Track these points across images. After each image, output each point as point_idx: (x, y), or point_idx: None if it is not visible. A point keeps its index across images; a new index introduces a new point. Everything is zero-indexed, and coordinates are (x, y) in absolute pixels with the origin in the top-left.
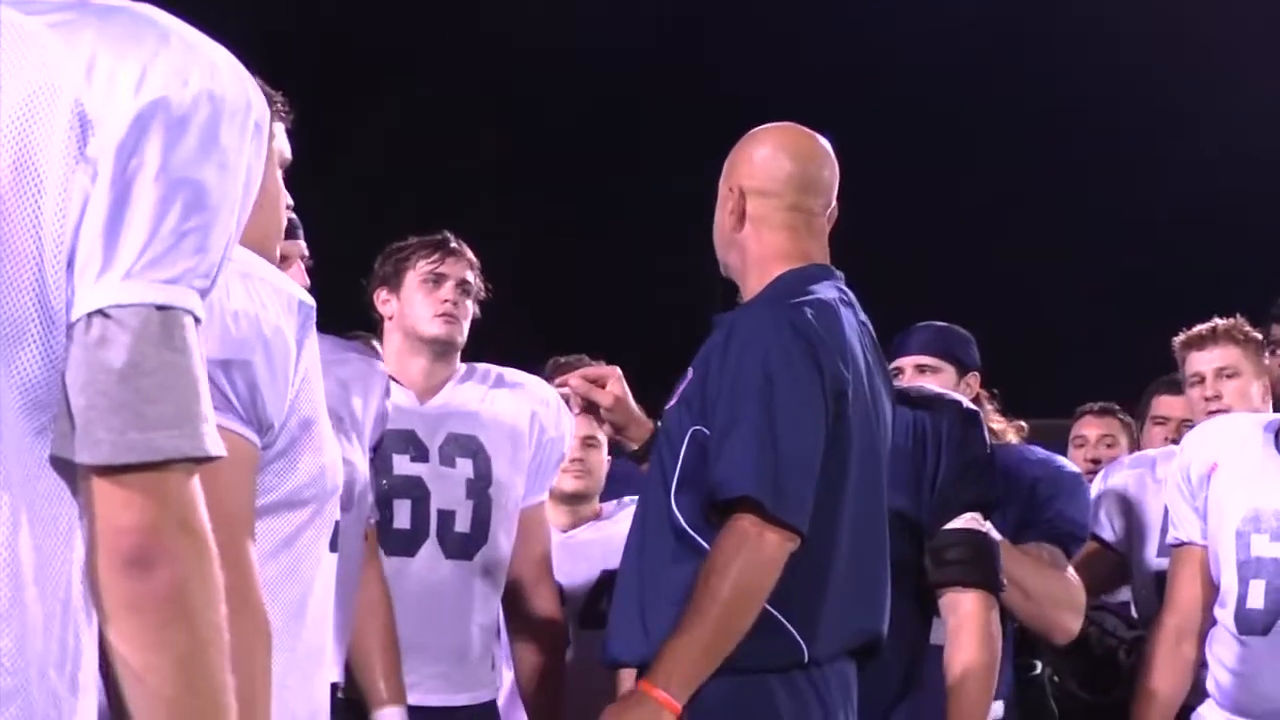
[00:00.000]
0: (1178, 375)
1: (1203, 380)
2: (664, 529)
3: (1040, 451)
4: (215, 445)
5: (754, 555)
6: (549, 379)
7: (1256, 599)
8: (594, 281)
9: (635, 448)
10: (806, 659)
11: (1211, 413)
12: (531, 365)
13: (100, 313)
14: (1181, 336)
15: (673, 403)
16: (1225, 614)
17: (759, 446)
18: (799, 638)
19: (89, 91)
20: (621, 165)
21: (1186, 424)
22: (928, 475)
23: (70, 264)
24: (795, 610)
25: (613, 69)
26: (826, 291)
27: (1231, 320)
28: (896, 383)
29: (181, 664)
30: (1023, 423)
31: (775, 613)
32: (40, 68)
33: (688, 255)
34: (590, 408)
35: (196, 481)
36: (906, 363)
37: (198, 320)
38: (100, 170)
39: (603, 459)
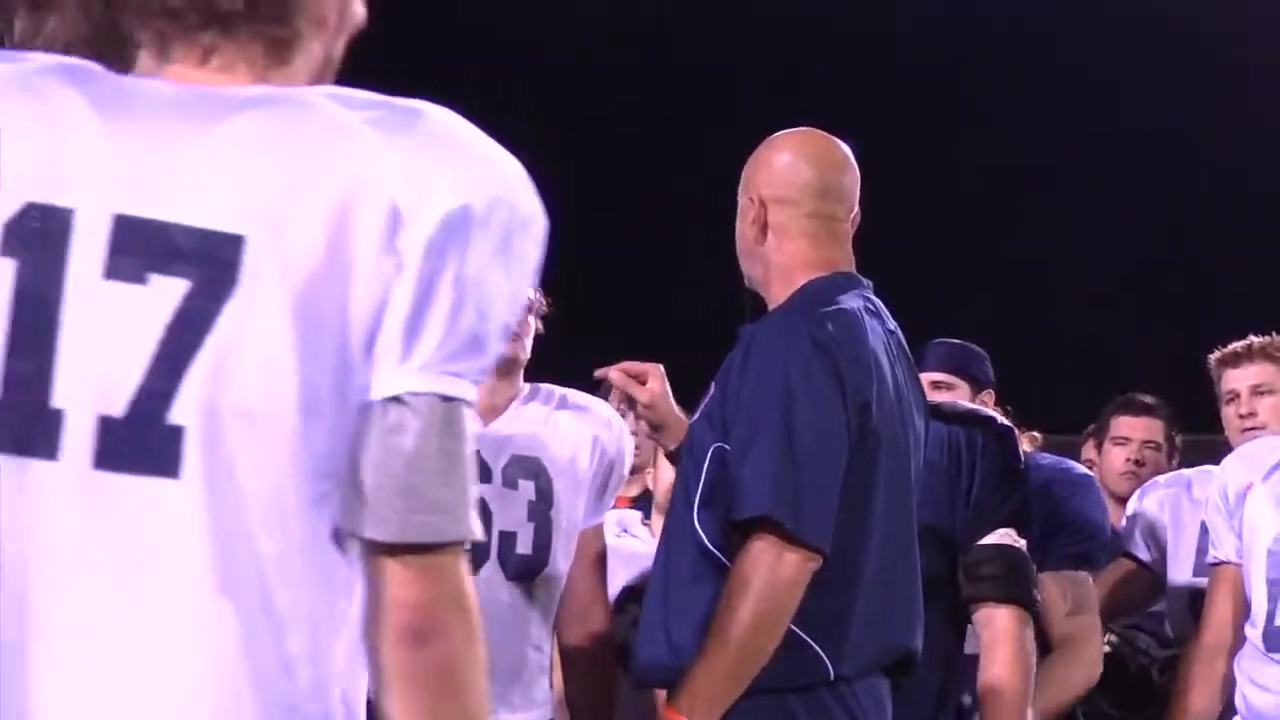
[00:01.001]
0: (1135, 395)
1: (1238, 397)
2: (686, 545)
3: (1049, 456)
4: (479, 530)
5: (775, 576)
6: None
7: None
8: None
9: (671, 448)
10: (833, 677)
11: (1246, 429)
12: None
13: (396, 399)
14: (1216, 354)
15: (696, 417)
16: (1255, 632)
17: (778, 464)
18: (824, 656)
19: (404, 190)
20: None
21: (1148, 444)
22: (961, 490)
23: (369, 348)
24: (821, 628)
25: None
26: (851, 301)
27: (1268, 338)
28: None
29: None
30: (1036, 433)
31: (800, 631)
32: (359, 160)
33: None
34: (628, 403)
35: (465, 560)
36: (922, 379)
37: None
38: (406, 264)
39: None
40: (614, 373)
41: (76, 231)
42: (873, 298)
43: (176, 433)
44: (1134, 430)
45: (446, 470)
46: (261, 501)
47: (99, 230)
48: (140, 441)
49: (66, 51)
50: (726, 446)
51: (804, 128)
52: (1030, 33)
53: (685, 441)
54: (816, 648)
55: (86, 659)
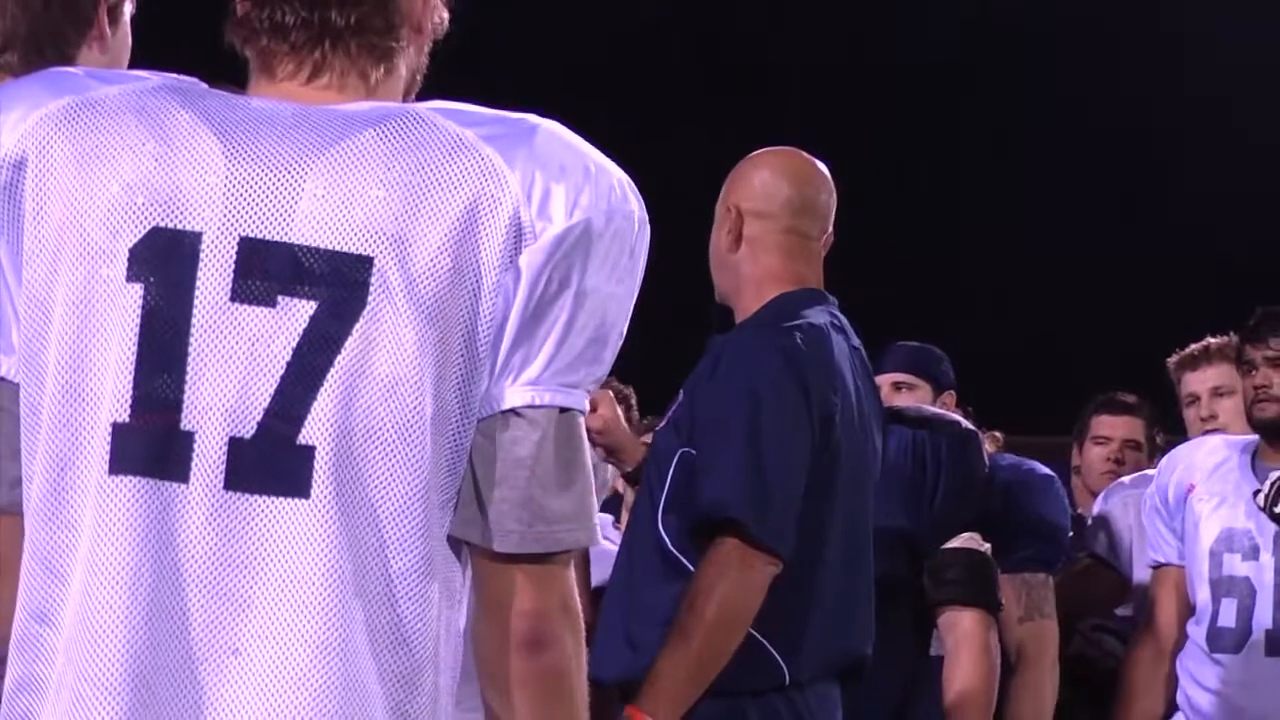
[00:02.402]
0: (1116, 395)
1: (1198, 400)
2: (650, 549)
3: (1010, 456)
4: (599, 535)
5: (738, 579)
6: None
7: (1228, 617)
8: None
9: (629, 469)
10: (788, 681)
11: (1208, 431)
12: None
13: (514, 411)
14: (1175, 357)
15: (663, 424)
16: (1199, 631)
17: (744, 470)
18: (780, 661)
19: (526, 207)
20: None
21: (1129, 443)
22: (926, 495)
23: (491, 362)
24: (777, 632)
25: None
26: (818, 316)
27: (1225, 339)
28: (887, 403)
29: None
30: (998, 433)
31: (757, 635)
32: (482, 178)
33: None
34: None
35: (573, 566)
36: (883, 380)
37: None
38: (525, 279)
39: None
40: None
41: (204, 255)
42: (838, 314)
43: (307, 453)
44: (1114, 429)
45: (565, 480)
46: (391, 519)
47: (225, 253)
48: (270, 463)
49: (4, 48)
50: (692, 452)
51: (786, 147)
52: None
53: (650, 448)
54: (773, 651)
55: (225, 675)
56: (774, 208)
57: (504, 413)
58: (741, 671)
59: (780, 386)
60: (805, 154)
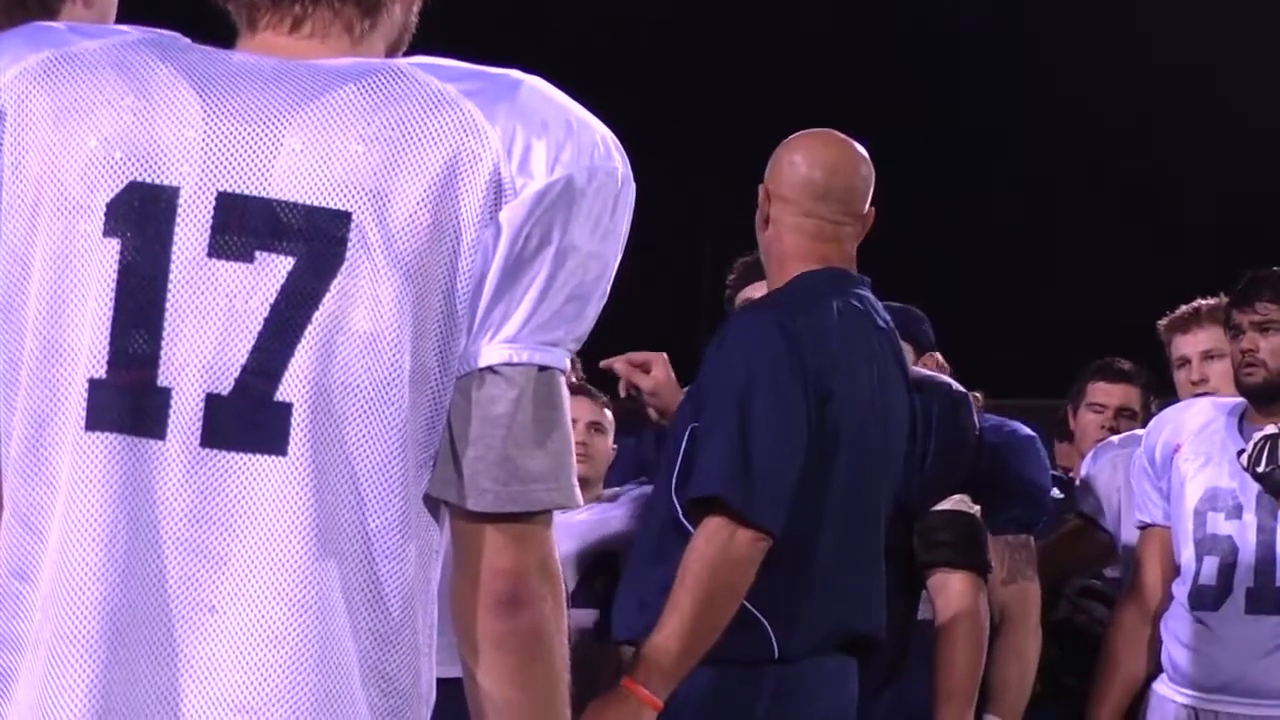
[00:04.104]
0: (1113, 361)
1: (1188, 363)
2: (666, 519)
3: (992, 418)
4: (579, 495)
5: (725, 553)
6: None
7: (1209, 575)
8: None
9: None
10: (778, 655)
11: (1199, 395)
12: None
13: (491, 369)
14: (1165, 320)
15: (684, 398)
16: (1182, 590)
17: (731, 448)
18: (772, 634)
19: (507, 163)
20: None
21: (1124, 411)
22: (916, 457)
23: (470, 319)
24: (770, 606)
25: None
26: (833, 296)
27: (1215, 300)
28: None
29: (540, 701)
30: (978, 394)
31: (751, 608)
32: (462, 133)
33: None
34: (635, 391)
35: (553, 526)
36: None
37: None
38: (505, 236)
39: (608, 445)
40: (619, 364)
41: (181, 210)
42: (864, 294)
43: (284, 410)
44: (1110, 396)
45: (542, 439)
46: (368, 476)
47: (203, 208)
48: (247, 420)
49: None
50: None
51: (823, 129)
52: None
53: (673, 420)
54: (767, 625)
55: (201, 633)
56: (794, 192)
57: (481, 370)
58: (731, 642)
59: (776, 365)
60: (839, 136)
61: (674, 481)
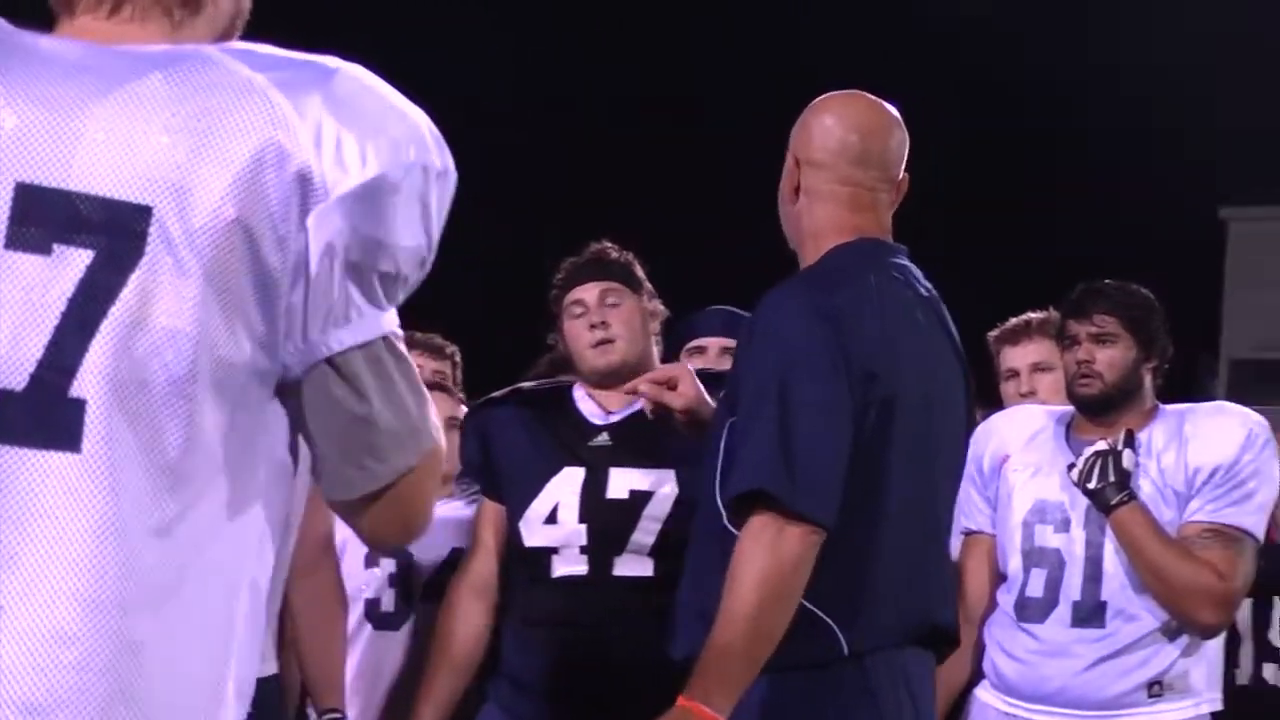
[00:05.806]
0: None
1: (1017, 375)
2: (714, 524)
3: None
4: (439, 435)
5: (777, 553)
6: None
7: (1036, 587)
8: None
9: None
10: (847, 652)
11: None
12: None
13: (327, 362)
14: (996, 331)
15: (719, 400)
16: (1008, 599)
17: (773, 438)
18: (838, 631)
19: (315, 156)
20: None
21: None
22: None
23: (288, 318)
24: (833, 603)
25: None
26: (870, 268)
27: (1045, 313)
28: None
29: None
30: None
31: (812, 607)
32: (270, 125)
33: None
34: (665, 411)
35: (426, 467)
36: (712, 343)
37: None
38: (319, 232)
39: (455, 441)
40: (643, 385)
41: None
42: (904, 263)
43: (78, 406)
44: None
45: (390, 406)
46: (165, 475)
47: (0, 199)
48: (41, 415)
49: None
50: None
51: (852, 91)
52: None
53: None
54: (830, 623)
55: None
56: (829, 157)
57: (311, 366)
58: (798, 645)
59: (812, 347)
60: (870, 97)
61: (717, 484)
